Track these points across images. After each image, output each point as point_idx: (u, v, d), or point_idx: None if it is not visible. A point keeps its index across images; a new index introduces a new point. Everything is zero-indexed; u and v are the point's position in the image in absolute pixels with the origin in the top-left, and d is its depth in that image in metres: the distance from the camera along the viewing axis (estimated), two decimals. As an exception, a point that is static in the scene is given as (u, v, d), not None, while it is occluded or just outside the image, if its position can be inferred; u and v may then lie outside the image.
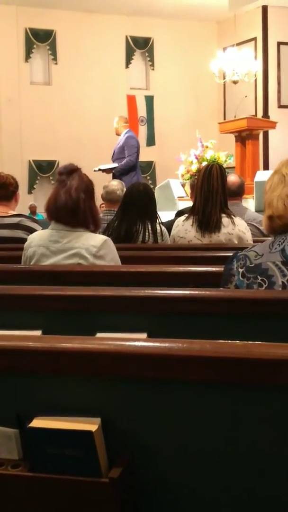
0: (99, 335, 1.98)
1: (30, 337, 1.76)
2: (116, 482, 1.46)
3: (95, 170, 9.48)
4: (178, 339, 1.50)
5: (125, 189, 5.46)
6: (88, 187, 3.11)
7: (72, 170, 3.12)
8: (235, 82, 14.36)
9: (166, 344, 1.49)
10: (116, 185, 5.84)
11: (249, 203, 9.68)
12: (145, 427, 1.53)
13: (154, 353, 1.48)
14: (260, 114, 16.31)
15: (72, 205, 3.04)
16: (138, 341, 1.55)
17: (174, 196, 10.62)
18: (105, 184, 5.91)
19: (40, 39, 17.21)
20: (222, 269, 2.34)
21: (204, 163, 8.42)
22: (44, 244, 3.11)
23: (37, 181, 17.37)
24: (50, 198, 3.12)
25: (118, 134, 9.98)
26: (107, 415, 1.51)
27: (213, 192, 4.05)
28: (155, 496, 1.55)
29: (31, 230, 4.13)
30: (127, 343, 1.53)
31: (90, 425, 1.48)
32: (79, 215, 3.05)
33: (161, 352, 1.48)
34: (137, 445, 1.53)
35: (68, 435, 1.49)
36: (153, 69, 18.39)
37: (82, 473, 1.50)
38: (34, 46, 17.23)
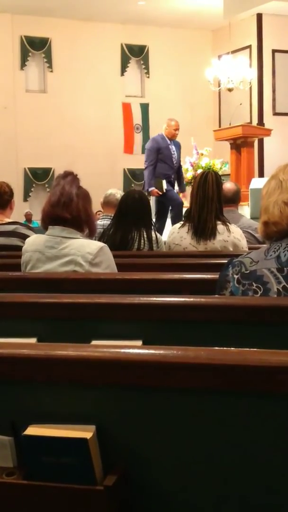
0: (94, 342, 1.98)
1: (25, 344, 1.76)
2: (111, 490, 1.46)
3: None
4: (172, 346, 1.50)
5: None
6: (81, 188, 3.16)
7: (67, 174, 3.19)
8: (230, 90, 14.41)
9: (161, 351, 1.49)
10: (115, 190, 5.91)
11: (245, 210, 9.69)
12: (140, 435, 1.53)
13: (149, 361, 1.48)
14: (255, 121, 16.36)
15: (65, 199, 3.08)
16: (133, 348, 1.55)
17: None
18: (105, 193, 5.98)
19: (35, 47, 17.24)
20: (217, 276, 2.34)
21: (200, 171, 8.44)
22: (39, 249, 3.12)
23: (32, 189, 17.38)
24: (46, 202, 3.17)
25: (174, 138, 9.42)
26: (102, 423, 1.50)
27: (208, 199, 4.07)
28: (150, 505, 1.55)
29: (26, 238, 4.13)
30: (122, 350, 1.53)
31: (85, 432, 1.47)
32: (71, 208, 3.07)
33: (155, 359, 1.48)
34: (132, 453, 1.52)
35: (63, 443, 1.49)
36: (148, 77, 18.43)
37: (77, 481, 1.49)
38: (30, 54, 17.27)
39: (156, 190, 9.12)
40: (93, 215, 3.23)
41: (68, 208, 3.07)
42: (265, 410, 1.43)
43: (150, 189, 9.22)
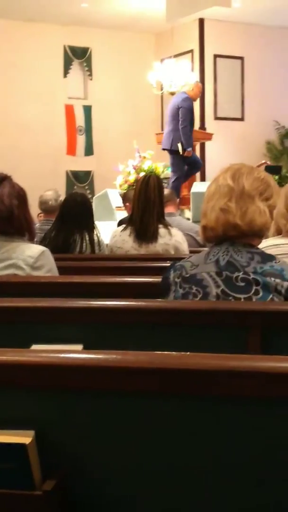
0: (34, 347, 1.97)
1: None
2: (50, 495, 1.45)
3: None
4: (112, 351, 1.50)
5: (60, 198, 5.47)
6: (19, 194, 3.09)
7: (1, 179, 3.10)
8: (172, 94, 14.48)
9: (100, 356, 1.49)
10: (50, 194, 5.85)
11: (186, 214, 9.77)
12: (81, 440, 1.52)
13: (88, 365, 1.48)
14: (197, 125, 16.48)
15: (6, 213, 3.02)
16: (73, 353, 1.55)
17: (112, 206, 10.64)
18: (41, 194, 5.91)
19: (-24, 47, 17.04)
20: (159, 279, 2.35)
21: (142, 174, 8.46)
22: (-22, 254, 3.08)
23: (-27, 190, 17.14)
24: None
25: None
26: (41, 428, 1.49)
27: (150, 203, 4.09)
28: (91, 510, 1.54)
29: None
30: (62, 355, 1.53)
31: (24, 438, 1.46)
32: (14, 222, 3.03)
33: (95, 363, 1.47)
34: (73, 457, 1.52)
35: (1, 448, 1.47)
36: (91, 79, 18.39)
37: (15, 486, 1.48)
38: None
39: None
40: (32, 220, 3.19)
41: (10, 222, 3.03)
42: (204, 413, 1.44)
43: (189, 149, 9.21)
